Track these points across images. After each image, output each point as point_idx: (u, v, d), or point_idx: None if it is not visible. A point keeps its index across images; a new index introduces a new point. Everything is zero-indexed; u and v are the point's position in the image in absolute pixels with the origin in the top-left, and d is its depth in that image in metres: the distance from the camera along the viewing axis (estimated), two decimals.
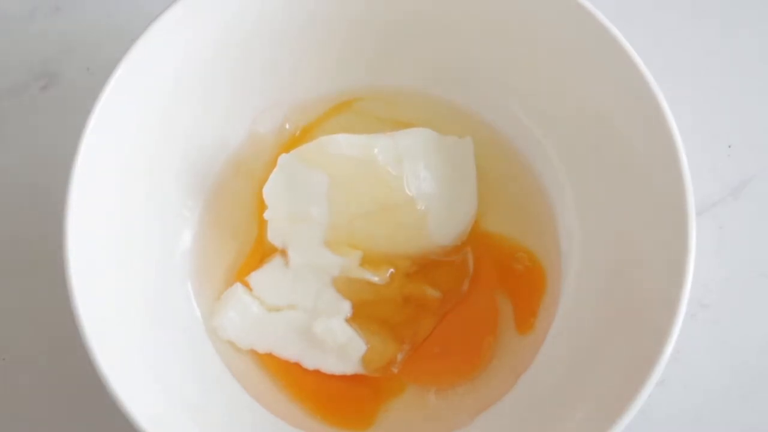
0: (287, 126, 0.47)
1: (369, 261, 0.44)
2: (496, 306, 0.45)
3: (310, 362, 0.44)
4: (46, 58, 0.52)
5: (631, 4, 0.54)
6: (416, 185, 0.44)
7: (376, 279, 0.44)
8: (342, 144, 0.43)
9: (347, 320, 0.44)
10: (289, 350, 0.44)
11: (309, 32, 0.44)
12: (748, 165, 0.52)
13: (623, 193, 0.41)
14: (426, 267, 0.45)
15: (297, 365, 0.44)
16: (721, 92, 0.53)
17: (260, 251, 0.46)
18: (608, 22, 0.39)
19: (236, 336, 0.44)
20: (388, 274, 0.44)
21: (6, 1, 0.54)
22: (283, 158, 0.43)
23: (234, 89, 0.45)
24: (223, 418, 0.41)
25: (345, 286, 0.44)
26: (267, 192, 0.43)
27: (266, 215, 0.44)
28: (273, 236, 0.44)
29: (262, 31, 0.43)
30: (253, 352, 0.44)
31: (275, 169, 0.43)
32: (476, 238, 0.46)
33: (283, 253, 0.45)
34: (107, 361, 0.35)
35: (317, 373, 0.44)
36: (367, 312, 0.44)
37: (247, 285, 0.44)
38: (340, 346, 0.43)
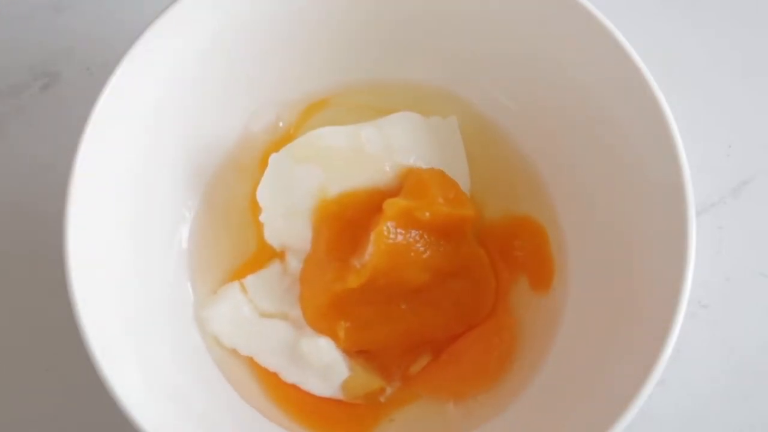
0: (280, 124, 0.47)
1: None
2: (512, 322, 0.44)
3: (289, 376, 0.43)
4: (46, 58, 0.52)
5: (632, 5, 0.54)
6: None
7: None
8: (329, 136, 0.43)
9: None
10: (271, 360, 0.43)
11: (297, 32, 0.44)
12: (748, 165, 0.52)
13: (623, 194, 0.41)
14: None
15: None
16: (720, 92, 0.53)
17: (263, 253, 0.45)
18: (608, 22, 0.39)
19: (221, 331, 0.43)
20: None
21: (6, 1, 0.54)
22: (273, 158, 0.43)
23: (230, 89, 0.45)
24: (225, 421, 0.41)
25: None
26: (260, 194, 0.43)
27: (261, 218, 0.44)
28: (270, 236, 0.44)
29: (257, 31, 0.43)
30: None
31: (267, 170, 0.43)
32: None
33: (283, 258, 0.45)
34: (107, 361, 0.35)
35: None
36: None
37: (243, 287, 0.44)
38: (322, 367, 0.42)
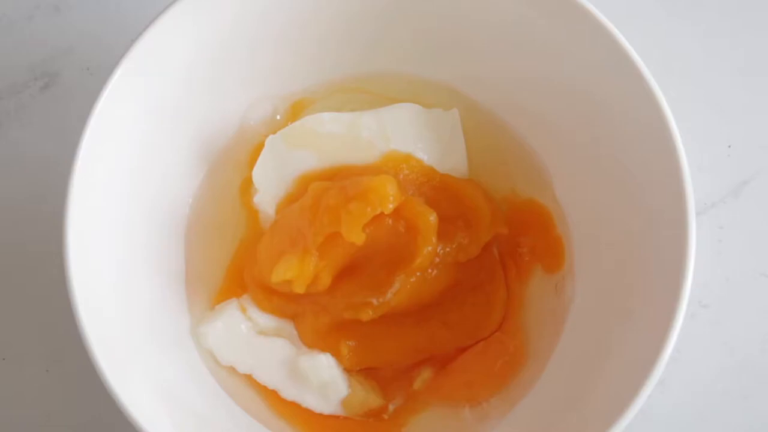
0: (278, 117, 0.47)
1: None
2: (521, 330, 0.44)
3: (288, 393, 0.42)
4: (46, 58, 0.52)
5: (632, 5, 0.54)
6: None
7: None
8: (327, 122, 0.43)
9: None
10: (269, 377, 0.42)
11: (292, 26, 0.44)
12: (748, 165, 0.52)
13: (623, 194, 0.41)
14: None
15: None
16: (721, 92, 0.53)
17: (252, 245, 0.45)
18: (608, 22, 0.39)
19: (218, 348, 0.42)
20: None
21: (6, 1, 0.54)
22: (270, 139, 0.43)
23: (227, 86, 0.45)
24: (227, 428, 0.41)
25: None
26: (256, 173, 0.43)
27: (256, 199, 0.43)
28: (264, 221, 0.44)
29: (253, 27, 0.43)
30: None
31: (263, 151, 0.43)
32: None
33: None
34: (107, 361, 0.35)
35: None
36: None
37: (242, 305, 0.43)
38: (321, 384, 0.42)
